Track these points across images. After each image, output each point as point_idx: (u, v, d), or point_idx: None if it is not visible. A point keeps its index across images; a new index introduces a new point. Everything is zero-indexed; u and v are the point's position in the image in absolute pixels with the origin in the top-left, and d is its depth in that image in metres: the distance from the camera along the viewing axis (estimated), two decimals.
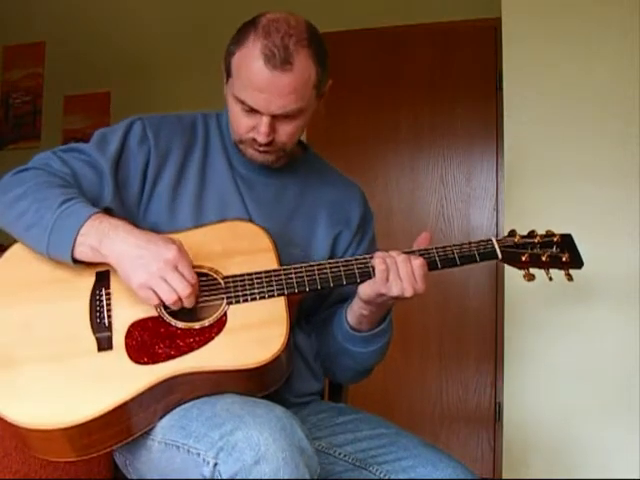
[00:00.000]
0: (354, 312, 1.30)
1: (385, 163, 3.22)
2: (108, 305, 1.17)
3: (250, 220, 1.30)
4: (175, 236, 1.21)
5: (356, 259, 1.26)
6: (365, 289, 1.23)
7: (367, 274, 1.24)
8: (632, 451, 2.01)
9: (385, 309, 1.29)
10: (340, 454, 1.25)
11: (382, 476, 1.21)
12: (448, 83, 3.15)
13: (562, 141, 2.17)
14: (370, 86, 3.20)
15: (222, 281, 1.20)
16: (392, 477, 1.20)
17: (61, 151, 1.28)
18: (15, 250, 1.21)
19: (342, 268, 1.25)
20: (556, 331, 2.13)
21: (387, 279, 1.21)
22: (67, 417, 1.06)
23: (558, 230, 1.34)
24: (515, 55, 2.25)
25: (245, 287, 1.20)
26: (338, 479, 1.23)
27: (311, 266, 1.24)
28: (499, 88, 2.77)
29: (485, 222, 3.09)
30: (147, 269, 1.11)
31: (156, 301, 1.13)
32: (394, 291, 1.20)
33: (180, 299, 1.12)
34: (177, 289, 1.11)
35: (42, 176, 1.21)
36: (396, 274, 1.21)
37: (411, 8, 3.20)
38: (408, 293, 1.21)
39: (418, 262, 1.22)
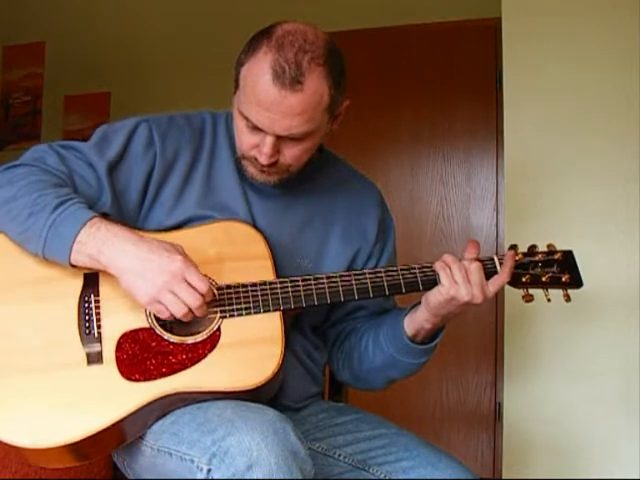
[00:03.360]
0: (416, 324, 1.24)
1: (385, 163, 3.21)
2: (97, 314, 1.13)
3: (246, 221, 1.24)
4: (167, 236, 1.18)
5: (357, 273, 1.23)
6: (436, 296, 1.19)
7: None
8: (632, 451, 2.01)
9: (445, 321, 1.24)
10: (340, 455, 1.24)
11: (382, 477, 1.20)
12: (448, 83, 3.14)
13: (562, 141, 2.17)
14: (370, 86, 3.19)
15: (216, 292, 1.15)
16: (392, 478, 1.20)
17: (59, 146, 1.22)
18: None
19: (340, 283, 1.21)
20: (556, 331, 2.13)
21: (455, 282, 1.18)
22: (59, 437, 1.05)
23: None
24: (515, 55, 2.25)
25: (240, 300, 1.16)
26: None
27: (308, 281, 1.20)
28: (499, 88, 2.76)
29: (485, 222, 3.09)
30: (153, 283, 1.07)
31: (167, 314, 1.09)
32: (464, 295, 1.17)
33: (191, 311, 1.09)
34: (187, 302, 1.08)
35: (35, 174, 1.15)
36: (465, 278, 1.18)
37: (411, 8, 3.19)
38: (478, 299, 1.18)
39: (475, 265, 1.19)
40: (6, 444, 1.05)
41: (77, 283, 1.14)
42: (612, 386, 2.07)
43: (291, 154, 1.20)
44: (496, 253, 1.27)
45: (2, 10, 3.83)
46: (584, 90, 2.15)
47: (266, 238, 1.22)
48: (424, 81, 3.17)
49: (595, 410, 2.08)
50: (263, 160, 1.19)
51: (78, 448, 1.07)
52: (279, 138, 1.17)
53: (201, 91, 3.31)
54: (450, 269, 1.19)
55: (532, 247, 1.28)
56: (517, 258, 1.25)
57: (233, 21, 3.34)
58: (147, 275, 1.07)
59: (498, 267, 1.23)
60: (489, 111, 3.05)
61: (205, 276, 1.12)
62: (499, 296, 2.74)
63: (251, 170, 1.24)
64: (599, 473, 2.03)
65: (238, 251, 1.20)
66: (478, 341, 3.01)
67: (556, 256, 1.26)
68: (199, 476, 1.00)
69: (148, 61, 3.56)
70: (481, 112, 3.08)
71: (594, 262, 2.02)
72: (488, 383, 2.98)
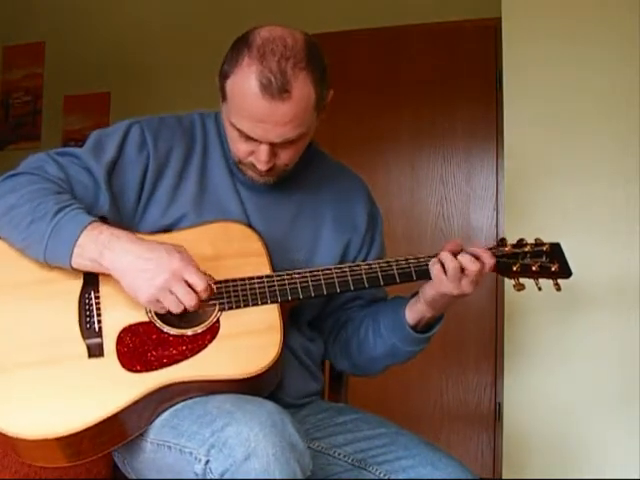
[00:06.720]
0: (417, 314, 1.29)
1: (385, 163, 3.21)
2: (98, 310, 1.15)
3: (242, 222, 1.27)
4: (165, 238, 1.19)
5: (351, 265, 1.26)
6: (429, 291, 1.24)
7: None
8: (632, 451, 2.01)
9: (444, 310, 1.29)
10: (340, 454, 1.25)
11: (382, 476, 1.21)
12: (448, 83, 3.14)
13: (562, 141, 2.16)
14: (370, 86, 3.19)
15: (214, 286, 1.18)
16: (392, 477, 1.20)
17: (56, 154, 1.24)
18: None
19: (335, 275, 1.23)
20: (556, 331, 2.13)
21: (446, 278, 1.21)
22: (60, 427, 1.05)
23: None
24: (515, 55, 2.25)
25: (238, 293, 1.18)
26: (337, 479, 1.23)
27: (304, 273, 1.23)
28: (499, 88, 2.76)
29: (485, 222, 3.09)
30: (153, 283, 1.09)
31: (164, 311, 1.13)
32: (453, 290, 1.21)
33: (186, 309, 1.12)
34: (183, 300, 1.10)
35: (36, 182, 1.17)
36: (456, 274, 1.21)
37: (411, 8, 3.19)
38: (468, 291, 1.22)
39: (467, 258, 1.22)
40: (5, 436, 1.05)
41: (77, 282, 1.16)
42: (612, 386, 2.06)
43: (286, 156, 1.24)
44: None
45: (2, 10, 3.83)
46: (584, 90, 2.15)
47: (262, 237, 1.25)
48: (424, 81, 3.17)
49: (595, 410, 2.08)
50: (261, 167, 1.23)
51: (77, 441, 1.06)
52: (273, 144, 1.20)
53: (201, 91, 3.28)
54: (442, 265, 1.22)
55: (520, 240, 1.31)
56: (506, 249, 1.28)
57: (233, 22, 3.33)
58: (147, 275, 1.10)
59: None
60: (489, 111, 3.05)
61: (204, 273, 1.14)
62: (499, 296, 2.74)
63: (250, 174, 1.28)
64: (599, 473, 2.03)
65: (235, 249, 1.23)
66: (478, 341, 3.01)
67: (544, 248, 1.29)
68: (197, 467, 1.01)
69: (148, 61, 3.56)
70: (481, 112, 3.08)
71: (594, 262, 2.02)
72: (488, 383, 2.98)
